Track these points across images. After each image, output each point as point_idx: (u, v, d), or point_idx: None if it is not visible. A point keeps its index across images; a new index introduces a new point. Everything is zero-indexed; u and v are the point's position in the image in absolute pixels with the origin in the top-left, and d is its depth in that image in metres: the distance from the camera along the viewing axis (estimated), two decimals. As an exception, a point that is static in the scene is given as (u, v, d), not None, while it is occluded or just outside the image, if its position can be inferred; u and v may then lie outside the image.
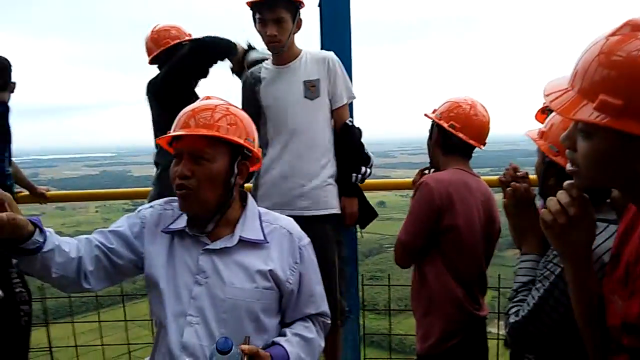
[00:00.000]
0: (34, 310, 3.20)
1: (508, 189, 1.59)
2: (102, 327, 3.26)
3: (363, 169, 2.85)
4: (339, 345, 3.00)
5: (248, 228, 1.65)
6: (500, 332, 3.01)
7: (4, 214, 1.32)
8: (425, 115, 2.40)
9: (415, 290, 2.34)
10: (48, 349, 3.39)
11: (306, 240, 1.74)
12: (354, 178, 2.82)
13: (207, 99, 1.70)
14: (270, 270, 1.61)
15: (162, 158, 2.92)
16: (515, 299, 1.51)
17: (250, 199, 1.73)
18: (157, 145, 2.87)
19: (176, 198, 1.67)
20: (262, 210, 1.75)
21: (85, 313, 4.50)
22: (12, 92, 3.17)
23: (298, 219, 2.64)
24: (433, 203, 2.18)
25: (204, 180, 1.56)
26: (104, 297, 3.39)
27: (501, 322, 2.88)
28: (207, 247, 1.61)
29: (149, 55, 3.14)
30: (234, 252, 1.62)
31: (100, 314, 3.30)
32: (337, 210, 2.81)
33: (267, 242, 1.65)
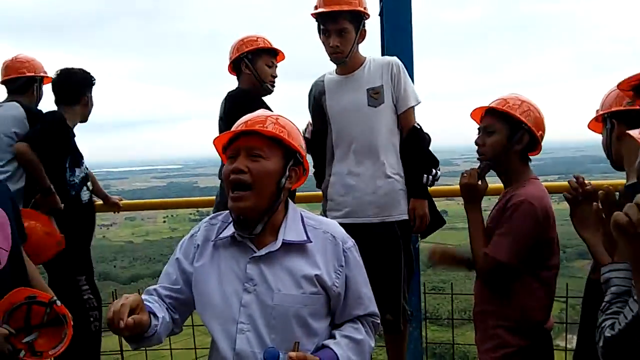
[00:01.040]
0: (104, 318, 3.32)
1: (600, 192, 1.49)
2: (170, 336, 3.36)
3: (434, 170, 2.82)
4: (404, 351, 2.97)
5: (291, 231, 1.68)
6: (569, 345, 2.91)
7: (131, 319, 1.42)
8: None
9: (493, 304, 2.22)
10: (119, 352, 3.53)
11: (350, 242, 1.74)
12: (424, 179, 2.80)
13: (262, 112, 1.76)
14: (316, 275, 1.63)
15: None
16: (609, 311, 1.40)
17: (291, 203, 1.76)
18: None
19: (219, 212, 1.77)
20: (306, 214, 1.77)
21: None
22: (86, 106, 3.29)
23: (367, 227, 2.71)
24: (537, 222, 2.10)
25: (258, 176, 1.60)
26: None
27: (569, 335, 2.78)
28: (255, 255, 1.65)
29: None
30: (279, 257, 1.65)
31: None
32: (405, 216, 2.80)
33: (311, 242, 1.67)
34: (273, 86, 3.12)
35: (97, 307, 3.19)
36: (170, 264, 1.80)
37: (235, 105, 2.89)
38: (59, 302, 2.08)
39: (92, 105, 3.32)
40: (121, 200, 3.73)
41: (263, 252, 1.65)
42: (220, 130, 2.98)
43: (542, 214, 2.09)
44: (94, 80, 3.31)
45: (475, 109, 2.29)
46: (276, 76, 3.11)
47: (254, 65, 3.04)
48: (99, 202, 3.62)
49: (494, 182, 2.35)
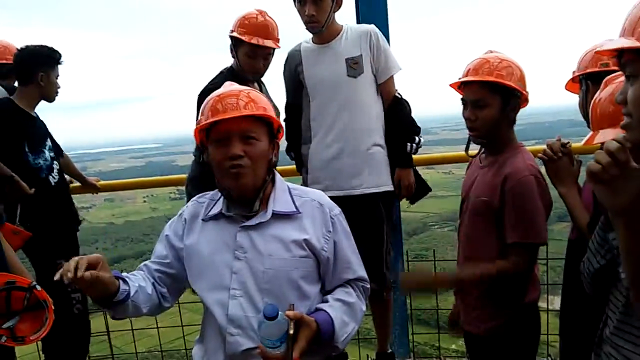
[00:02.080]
0: (90, 300, 3.30)
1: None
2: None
3: (417, 138, 2.81)
4: (390, 318, 3.01)
5: (280, 202, 1.72)
6: (551, 306, 2.96)
7: (88, 272, 1.47)
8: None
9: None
10: (106, 332, 3.53)
11: (337, 210, 1.79)
12: (408, 147, 2.79)
13: (230, 85, 1.76)
14: (305, 240, 1.67)
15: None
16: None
17: (278, 175, 1.80)
18: None
19: (206, 193, 1.82)
20: (291, 185, 1.81)
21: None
22: (42, 86, 3.06)
23: (351, 199, 2.69)
24: (546, 192, 2.02)
25: (255, 158, 1.64)
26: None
27: (551, 296, 2.82)
28: (244, 224, 1.68)
29: None
30: (269, 226, 1.69)
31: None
32: (389, 188, 2.80)
33: (300, 213, 1.71)
34: (254, 78, 2.90)
35: (79, 290, 3.13)
36: (159, 241, 1.83)
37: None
38: (38, 287, 2.06)
39: (52, 84, 3.10)
40: (98, 181, 3.66)
41: (253, 222, 1.68)
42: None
43: (544, 182, 2.03)
44: (56, 57, 3.11)
45: (457, 81, 2.12)
46: (259, 68, 2.85)
47: (237, 50, 2.86)
48: (77, 184, 3.56)
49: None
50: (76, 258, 1.51)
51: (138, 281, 1.69)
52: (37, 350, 3.29)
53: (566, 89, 2.29)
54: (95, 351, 3.62)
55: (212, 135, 1.67)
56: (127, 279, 1.64)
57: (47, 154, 3.10)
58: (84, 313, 3.17)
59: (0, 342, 1.93)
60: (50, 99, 3.13)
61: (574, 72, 2.17)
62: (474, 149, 2.23)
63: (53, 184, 3.09)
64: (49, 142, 3.16)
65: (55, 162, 3.16)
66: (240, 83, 1.84)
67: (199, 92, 2.80)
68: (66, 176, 3.39)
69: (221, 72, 2.92)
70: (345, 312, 1.70)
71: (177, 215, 1.85)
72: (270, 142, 1.70)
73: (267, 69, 2.86)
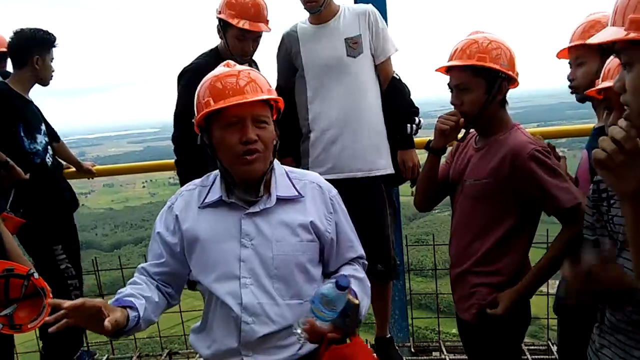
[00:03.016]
0: (90, 286, 3.29)
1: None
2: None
3: (416, 119, 2.78)
4: (389, 302, 3.00)
5: (281, 186, 1.71)
6: (551, 290, 2.96)
7: (107, 323, 1.43)
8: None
9: (491, 255, 2.04)
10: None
11: (334, 191, 1.80)
12: (409, 129, 2.75)
13: (227, 66, 1.72)
14: (311, 222, 1.68)
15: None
16: None
17: (274, 160, 1.78)
18: None
19: (193, 181, 1.80)
20: (287, 168, 1.81)
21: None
22: (36, 69, 3.01)
23: (352, 182, 2.66)
24: (552, 161, 1.96)
25: (267, 143, 1.64)
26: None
27: (551, 280, 2.81)
28: (248, 211, 1.66)
29: None
30: (274, 211, 1.68)
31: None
32: (390, 171, 2.76)
33: (303, 197, 1.72)
34: (243, 61, 2.68)
35: (75, 276, 3.12)
36: (153, 239, 1.79)
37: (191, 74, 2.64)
38: (36, 275, 2.05)
39: (47, 67, 3.07)
40: (94, 166, 3.64)
41: (258, 208, 1.67)
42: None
43: (550, 153, 1.98)
44: (51, 40, 3.06)
45: (441, 67, 2.06)
46: (248, 50, 2.74)
47: (225, 33, 2.73)
48: (73, 169, 3.54)
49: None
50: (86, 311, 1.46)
51: (144, 293, 1.67)
52: (36, 338, 3.30)
53: (557, 57, 2.26)
54: (94, 338, 3.63)
55: (222, 119, 1.62)
56: (133, 301, 1.60)
57: (42, 139, 3.07)
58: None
59: (-3, 329, 1.92)
60: (45, 82, 3.10)
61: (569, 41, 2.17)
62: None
63: (48, 168, 3.06)
64: (43, 127, 3.13)
65: (49, 146, 3.14)
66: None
67: (178, 73, 2.75)
68: (62, 162, 3.38)
69: (204, 54, 2.83)
70: (359, 287, 1.72)
71: (166, 207, 1.79)
72: (275, 126, 1.69)
73: (255, 50, 2.80)
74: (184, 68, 2.74)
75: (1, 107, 2.91)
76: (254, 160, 1.61)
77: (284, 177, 1.74)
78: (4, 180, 2.83)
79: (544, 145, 1.98)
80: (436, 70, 2.10)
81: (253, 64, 2.92)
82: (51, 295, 2.06)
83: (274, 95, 1.66)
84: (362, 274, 1.79)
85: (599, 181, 1.67)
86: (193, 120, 1.69)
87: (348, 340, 1.50)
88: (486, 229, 2.04)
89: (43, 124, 3.14)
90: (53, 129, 3.35)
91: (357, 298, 1.52)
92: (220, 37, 2.76)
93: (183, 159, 2.76)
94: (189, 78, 2.63)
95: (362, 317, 1.67)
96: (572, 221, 1.88)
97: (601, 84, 1.84)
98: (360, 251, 1.83)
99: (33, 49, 2.99)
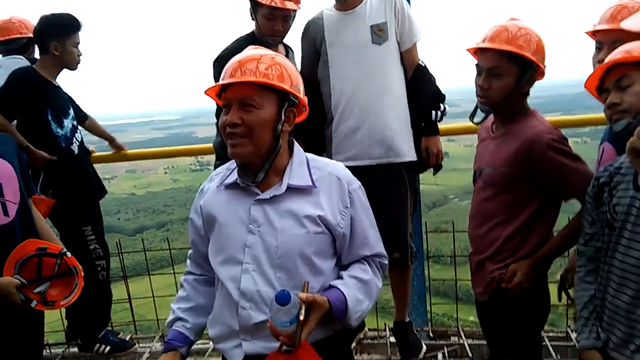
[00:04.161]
0: (113, 269, 3.37)
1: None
2: (177, 281, 3.42)
3: (442, 106, 2.78)
4: (408, 289, 3.02)
5: (296, 175, 1.68)
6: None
7: None
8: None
9: (512, 242, 2.06)
10: (128, 300, 3.62)
11: (356, 184, 1.74)
12: (433, 115, 2.76)
13: (253, 48, 1.74)
14: (319, 216, 1.64)
15: None
16: None
17: (297, 146, 1.76)
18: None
19: (223, 164, 1.81)
20: (310, 156, 1.77)
21: (160, 270, 4.70)
22: (58, 55, 3.03)
23: (374, 169, 2.68)
24: (569, 148, 2.00)
25: (252, 126, 1.59)
26: (177, 254, 3.56)
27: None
28: (258, 197, 1.67)
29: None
30: (284, 199, 1.66)
31: (175, 271, 3.46)
32: (412, 158, 2.78)
33: (316, 187, 1.67)
34: (274, 41, 2.78)
35: (103, 257, 3.21)
36: (190, 229, 1.84)
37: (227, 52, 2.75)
38: (69, 254, 2.13)
39: (69, 53, 3.04)
40: (126, 148, 3.69)
41: (267, 195, 1.66)
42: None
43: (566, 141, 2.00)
44: (71, 25, 3.04)
45: (475, 46, 2.06)
46: (279, 30, 2.74)
47: (256, 14, 2.76)
48: (98, 153, 3.57)
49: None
50: None
51: (189, 304, 1.81)
52: (61, 318, 3.40)
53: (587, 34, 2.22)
54: (118, 319, 3.71)
55: (222, 99, 1.68)
56: (179, 336, 1.76)
57: (69, 123, 3.12)
58: (107, 281, 3.26)
59: (31, 306, 2.00)
60: (71, 67, 3.11)
61: (594, 25, 2.11)
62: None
63: (75, 153, 3.13)
64: (71, 112, 3.18)
65: (77, 131, 3.19)
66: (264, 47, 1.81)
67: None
68: (89, 146, 3.42)
69: (240, 37, 2.88)
70: (360, 289, 1.67)
71: (199, 191, 1.84)
72: (277, 111, 1.63)
73: (287, 31, 2.79)
74: (218, 54, 2.79)
75: (29, 92, 2.96)
76: (233, 145, 1.61)
77: (302, 166, 1.71)
78: (31, 164, 2.93)
79: (559, 133, 1.99)
80: (467, 49, 2.10)
81: (289, 50, 2.95)
82: (82, 274, 2.15)
83: (268, 81, 1.60)
84: (368, 275, 1.72)
85: (599, 177, 1.72)
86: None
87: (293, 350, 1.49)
88: (505, 217, 2.06)
89: (71, 108, 3.20)
90: (80, 107, 3.41)
91: (302, 312, 1.47)
92: (252, 19, 2.79)
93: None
94: (216, 62, 2.74)
95: (357, 320, 1.66)
96: None
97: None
98: (377, 249, 1.77)
99: (51, 35, 3.01)
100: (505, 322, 2.12)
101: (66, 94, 3.24)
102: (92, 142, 3.63)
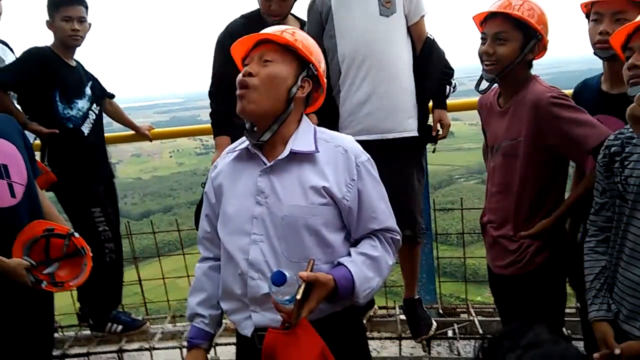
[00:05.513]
0: (124, 253, 3.38)
1: None
2: (187, 264, 3.43)
3: (452, 81, 2.79)
4: (417, 266, 3.02)
5: (300, 142, 1.67)
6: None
7: None
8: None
9: (536, 205, 2.11)
10: (138, 282, 3.64)
11: (364, 156, 1.72)
12: (447, 90, 2.77)
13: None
14: (324, 187, 1.62)
15: None
16: None
17: (305, 118, 1.75)
18: None
19: (230, 147, 1.81)
20: (320, 128, 1.76)
21: (169, 253, 4.72)
22: (55, 32, 3.00)
23: (381, 143, 2.65)
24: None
25: (266, 79, 1.61)
26: (185, 237, 3.56)
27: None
28: (266, 167, 1.66)
29: None
30: (288, 166, 1.65)
31: (185, 253, 3.47)
32: (417, 133, 2.75)
33: (318, 152, 1.66)
34: (274, 21, 2.72)
35: (112, 239, 3.18)
36: (204, 203, 1.84)
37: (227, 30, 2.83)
38: (77, 234, 2.12)
39: (58, 29, 2.98)
40: (151, 129, 3.64)
41: (272, 162, 1.66)
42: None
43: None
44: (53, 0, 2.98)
45: (480, 13, 2.12)
46: (276, 10, 2.73)
47: None
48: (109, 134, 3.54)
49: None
50: None
51: (205, 295, 1.80)
52: (72, 301, 3.42)
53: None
54: (128, 302, 3.73)
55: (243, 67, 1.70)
56: (199, 333, 1.78)
57: (83, 104, 3.10)
58: (117, 262, 3.24)
59: (40, 287, 2.00)
60: (66, 44, 3.04)
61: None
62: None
63: (85, 134, 3.10)
64: (87, 92, 3.15)
65: (91, 112, 3.15)
66: (265, 26, 1.81)
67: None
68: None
69: (244, 14, 2.89)
70: (368, 266, 1.66)
71: (212, 167, 1.86)
72: (295, 74, 1.65)
73: (286, 11, 2.77)
74: (222, 32, 2.84)
75: (38, 71, 2.94)
76: (240, 96, 1.62)
77: (308, 135, 1.70)
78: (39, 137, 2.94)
79: (559, 90, 2.03)
80: (474, 17, 2.16)
81: (304, 25, 2.91)
82: (91, 254, 2.14)
83: (289, 41, 1.63)
84: (377, 251, 1.69)
85: (610, 146, 1.69)
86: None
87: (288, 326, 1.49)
88: (529, 184, 2.09)
89: (87, 88, 3.16)
90: (103, 88, 3.37)
91: (299, 291, 1.46)
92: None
93: (214, 109, 2.93)
94: (221, 36, 2.83)
95: (366, 298, 1.65)
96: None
97: None
98: (387, 223, 1.73)
99: (48, 12, 2.99)
100: (528, 296, 2.14)
101: (86, 75, 3.21)
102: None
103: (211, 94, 2.94)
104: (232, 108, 1.69)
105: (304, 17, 2.92)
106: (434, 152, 2.92)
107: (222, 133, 2.88)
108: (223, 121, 2.85)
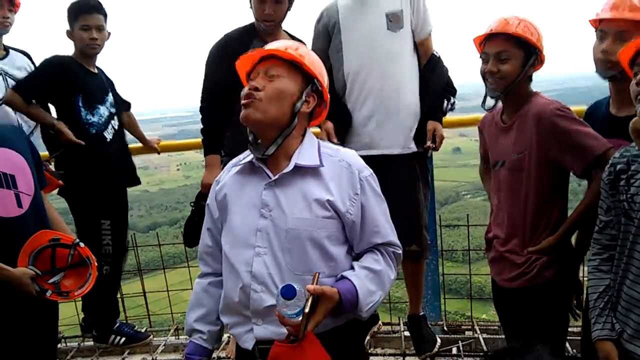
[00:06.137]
0: (129, 265, 3.37)
1: None
2: (192, 276, 3.43)
3: (452, 99, 2.80)
4: (422, 282, 3.01)
5: (304, 156, 1.69)
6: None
7: None
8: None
9: (542, 219, 2.12)
10: (142, 294, 3.65)
11: (368, 171, 1.74)
12: (445, 104, 2.78)
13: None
14: (328, 200, 1.64)
15: None
16: None
17: (309, 132, 1.78)
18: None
19: (234, 161, 1.83)
20: (324, 143, 1.78)
21: (174, 266, 4.71)
22: (75, 41, 3.06)
23: (385, 158, 2.67)
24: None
25: (271, 93, 1.64)
26: (191, 252, 3.56)
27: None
28: (270, 180, 1.68)
29: None
30: (293, 181, 1.67)
31: (190, 265, 3.47)
32: (419, 149, 2.76)
33: (323, 166, 1.68)
34: (268, 27, 2.73)
35: (110, 255, 3.15)
36: (206, 217, 1.84)
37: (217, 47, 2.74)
38: (82, 244, 2.13)
39: (77, 38, 3.03)
40: (159, 142, 3.66)
41: (277, 176, 1.67)
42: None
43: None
44: (76, 7, 3.01)
45: (485, 33, 2.17)
46: (270, 14, 2.69)
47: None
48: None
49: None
50: None
51: (204, 311, 1.81)
52: (76, 312, 3.43)
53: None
54: (133, 313, 3.73)
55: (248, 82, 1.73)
56: (197, 349, 1.80)
57: (105, 111, 3.12)
58: (113, 276, 3.22)
59: (45, 296, 2.01)
60: (85, 52, 3.07)
61: (597, 13, 2.11)
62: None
63: (107, 140, 3.11)
64: (109, 99, 3.17)
65: (114, 119, 3.17)
66: (261, 38, 1.82)
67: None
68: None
69: (240, 27, 2.86)
70: (371, 280, 1.66)
71: (215, 182, 1.86)
72: (299, 89, 1.68)
73: (280, 16, 2.75)
74: (217, 41, 2.79)
75: (61, 78, 2.98)
76: (246, 105, 1.64)
77: (312, 149, 1.72)
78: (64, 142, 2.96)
79: (561, 103, 2.07)
80: (474, 39, 2.22)
81: (302, 43, 2.94)
82: (96, 264, 2.15)
83: (293, 55, 1.66)
84: (380, 265, 1.70)
85: (616, 163, 1.68)
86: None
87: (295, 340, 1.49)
88: (537, 198, 2.10)
89: (109, 95, 3.18)
90: (122, 99, 3.40)
91: (307, 305, 1.46)
92: (250, 8, 2.78)
93: (206, 126, 2.83)
94: (213, 49, 2.74)
95: (368, 312, 1.65)
96: (603, 168, 1.89)
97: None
98: (389, 237, 1.75)
99: (68, 21, 3.04)
100: (533, 310, 2.14)
101: (107, 82, 3.24)
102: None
103: (202, 109, 2.84)
104: (223, 123, 1.70)
105: (299, 35, 2.94)
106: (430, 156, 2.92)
107: (212, 152, 2.82)
108: (215, 139, 2.81)
